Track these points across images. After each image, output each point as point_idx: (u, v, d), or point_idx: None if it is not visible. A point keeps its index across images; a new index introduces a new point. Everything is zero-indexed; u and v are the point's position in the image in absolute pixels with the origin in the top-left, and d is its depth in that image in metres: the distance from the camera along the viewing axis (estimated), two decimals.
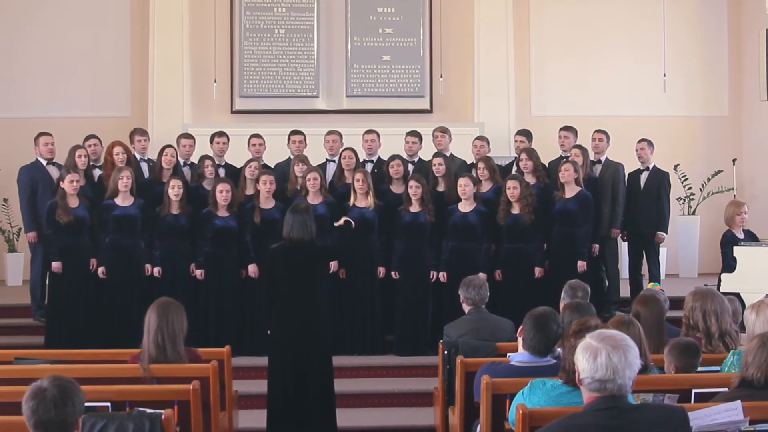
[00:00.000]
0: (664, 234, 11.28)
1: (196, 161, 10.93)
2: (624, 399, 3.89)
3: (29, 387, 3.79)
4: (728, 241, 10.29)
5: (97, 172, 10.83)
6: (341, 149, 10.88)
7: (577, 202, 10.12)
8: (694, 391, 5.42)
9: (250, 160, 10.61)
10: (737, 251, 9.88)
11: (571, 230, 10.13)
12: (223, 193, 9.95)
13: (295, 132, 11.23)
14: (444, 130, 11.33)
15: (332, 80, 14.43)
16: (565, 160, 10.65)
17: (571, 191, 10.15)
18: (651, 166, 11.32)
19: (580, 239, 10.15)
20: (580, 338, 4.16)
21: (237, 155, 11.00)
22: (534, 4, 14.68)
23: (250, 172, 10.43)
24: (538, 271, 10.10)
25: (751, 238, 10.51)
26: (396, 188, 10.52)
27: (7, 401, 5.26)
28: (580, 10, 14.57)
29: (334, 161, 10.99)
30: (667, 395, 5.30)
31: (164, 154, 10.53)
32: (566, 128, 11.41)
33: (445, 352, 6.98)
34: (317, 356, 7.75)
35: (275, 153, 11.31)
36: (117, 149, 10.56)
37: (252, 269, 10.04)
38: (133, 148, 11.04)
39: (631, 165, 11.43)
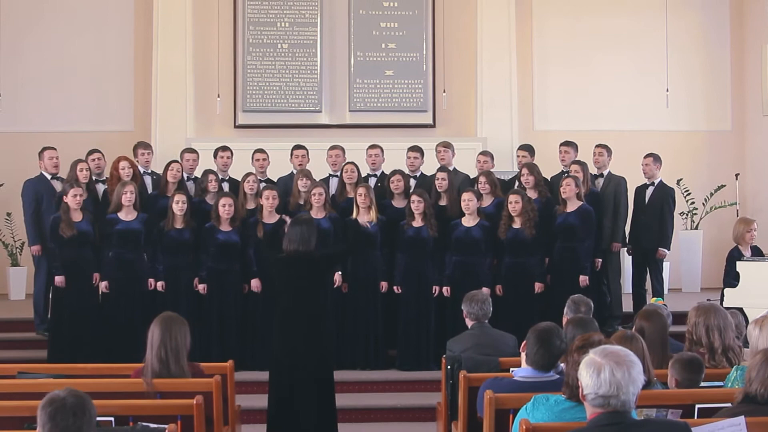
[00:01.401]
0: (666, 250, 11.27)
1: (199, 175, 10.95)
2: (627, 415, 3.89)
3: (45, 396, 3.79)
4: (733, 259, 10.28)
5: (100, 187, 10.86)
6: (343, 164, 10.89)
7: (578, 216, 10.12)
8: (697, 406, 5.41)
9: (247, 175, 10.60)
10: (740, 266, 9.87)
11: (573, 245, 10.13)
12: (225, 207, 9.95)
13: (297, 147, 11.24)
14: (447, 145, 11.34)
15: (335, 95, 14.44)
16: (566, 175, 10.64)
17: (572, 206, 10.16)
18: (657, 182, 11.31)
19: (582, 254, 10.15)
20: (583, 353, 4.17)
21: (240, 170, 10.99)
22: (537, 18, 14.72)
23: (249, 187, 10.44)
24: (538, 287, 10.10)
25: (757, 254, 10.50)
26: (397, 203, 10.53)
27: (10, 416, 5.26)
28: (583, 25, 14.60)
29: (337, 176, 10.99)
30: (671, 410, 5.29)
31: (170, 168, 10.57)
32: (566, 143, 11.43)
33: (448, 367, 6.97)
34: (318, 369, 7.75)
35: (278, 167, 11.33)
36: (123, 164, 10.59)
37: (255, 284, 10.04)
38: (137, 161, 11.06)
39: (634, 179, 11.44)
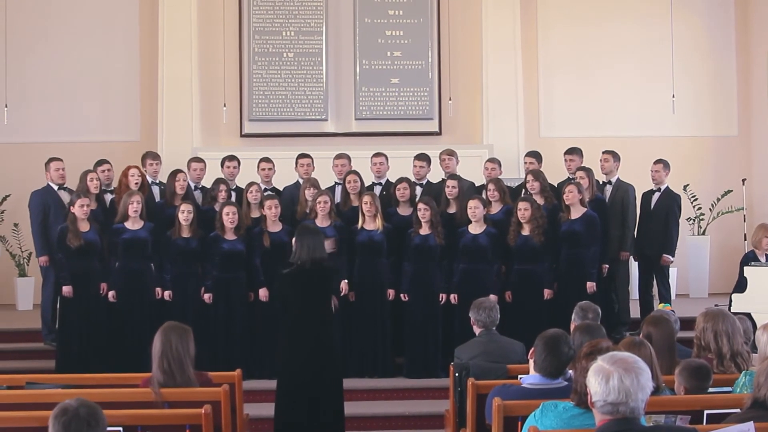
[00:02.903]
0: (670, 257, 11.23)
1: (206, 185, 10.97)
2: (636, 421, 3.88)
3: (57, 406, 3.79)
4: (749, 261, 10.23)
5: (109, 197, 10.87)
6: (346, 173, 10.88)
7: (583, 223, 10.09)
8: (706, 412, 5.40)
9: (251, 184, 10.59)
10: (748, 271, 9.84)
11: (579, 252, 10.10)
12: (229, 216, 9.94)
13: (302, 155, 11.25)
14: (451, 153, 11.32)
15: (341, 103, 14.46)
16: (569, 181, 10.62)
17: (576, 212, 10.13)
18: (663, 188, 11.30)
19: (588, 260, 10.11)
20: (591, 360, 4.16)
21: (246, 179, 10.98)
22: (542, 25, 14.72)
23: (252, 197, 10.44)
24: (547, 293, 10.08)
25: None
26: (403, 211, 10.53)
27: (19, 426, 5.27)
28: (588, 32, 14.59)
29: (342, 184, 10.99)
30: (679, 416, 5.29)
31: (177, 179, 10.57)
32: (571, 151, 11.40)
33: (456, 374, 6.96)
34: (328, 379, 7.75)
35: (285, 176, 11.33)
36: (132, 171, 10.61)
37: (263, 293, 10.03)
38: (145, 171, 11.07)
39: (640, 185, 11.43)
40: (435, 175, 11.27)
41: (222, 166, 11.19)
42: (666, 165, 11.33)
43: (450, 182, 10.64)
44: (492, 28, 14.29)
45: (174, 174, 10.66)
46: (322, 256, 7.87)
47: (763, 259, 10.39)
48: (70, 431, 3.71)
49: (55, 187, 10.88)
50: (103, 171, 10.94)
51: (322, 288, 7.89)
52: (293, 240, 8.03)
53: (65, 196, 10.72)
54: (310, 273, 7.80)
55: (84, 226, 9.90)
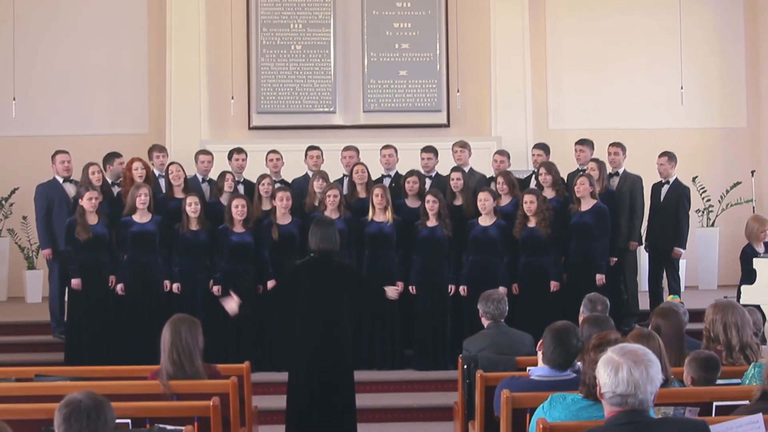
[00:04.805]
0: (681, 249, 11.20)
1: (214, 177, 10.98)
2: (645, 413, 3.88)
3: (64, 398, 3.81)
4: (748, 257, 10.21)
5: (116, 190, 10.88)
6: (353, 165, 10.88)
7: (593, 215, 10.09)
8: (715, 404, 5.40)
9: (262, 176, 10.60)
10: (756, 263, 9.81)
11: (588, 243, 10.10)
12: (238, 209, 9.95)
13: (312, 147, 11.27)
14: (463, 145, 11.31)
15: (349, 95, 14.44)
16: (580, 173, 10.61)
17: (587, 204, 10.12)
18: (672, 180, 11.26)
19: (598, 252, 10.12)
20: (600, 352, 4.16)
21: (255, 171, 10.99)
22: (550, 17, 14.68)
23: (264, 190, 10.44)
24: (553, 285, 10.07)
25: None
26: (411, 203, 10.52)
27: (28, 418, 5.27)
28: (597, 24, 14.56)
29: (350, 176, 10.98)
30: (688, 408, 5.28)
31: (170, 171, 10.59)
32: (582, 142, 11.39)
33: (465, 366, 6.96)
34: (340, 370, 7.74)
35: (293, 168, 11.34)
36: (136, 164, 10.60)
37: (271, 285, 10.03)
38: (152, 164, 11.08)
39: (650, 177, 11.40)
40: (444, 166, 11.24)
41: (230, 158, 11.18)
42: (671, 157, 11.28)
43: (454, 174, 10.63)
44: (500, 19, 14.26)
45: (167, 168, 10.70)
46: (331, 247, 7.83)
47: (761, 250, 10.35)
48: (69, 423, 3.74)
49: (61, 180, 10.89)
50: (122, 163, 10.96)
51: (333, 280, 7.84)
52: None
53: (70, 189, 10.75)
54: (322, 265, 7.78)
55: (92, 219, 9.91)
